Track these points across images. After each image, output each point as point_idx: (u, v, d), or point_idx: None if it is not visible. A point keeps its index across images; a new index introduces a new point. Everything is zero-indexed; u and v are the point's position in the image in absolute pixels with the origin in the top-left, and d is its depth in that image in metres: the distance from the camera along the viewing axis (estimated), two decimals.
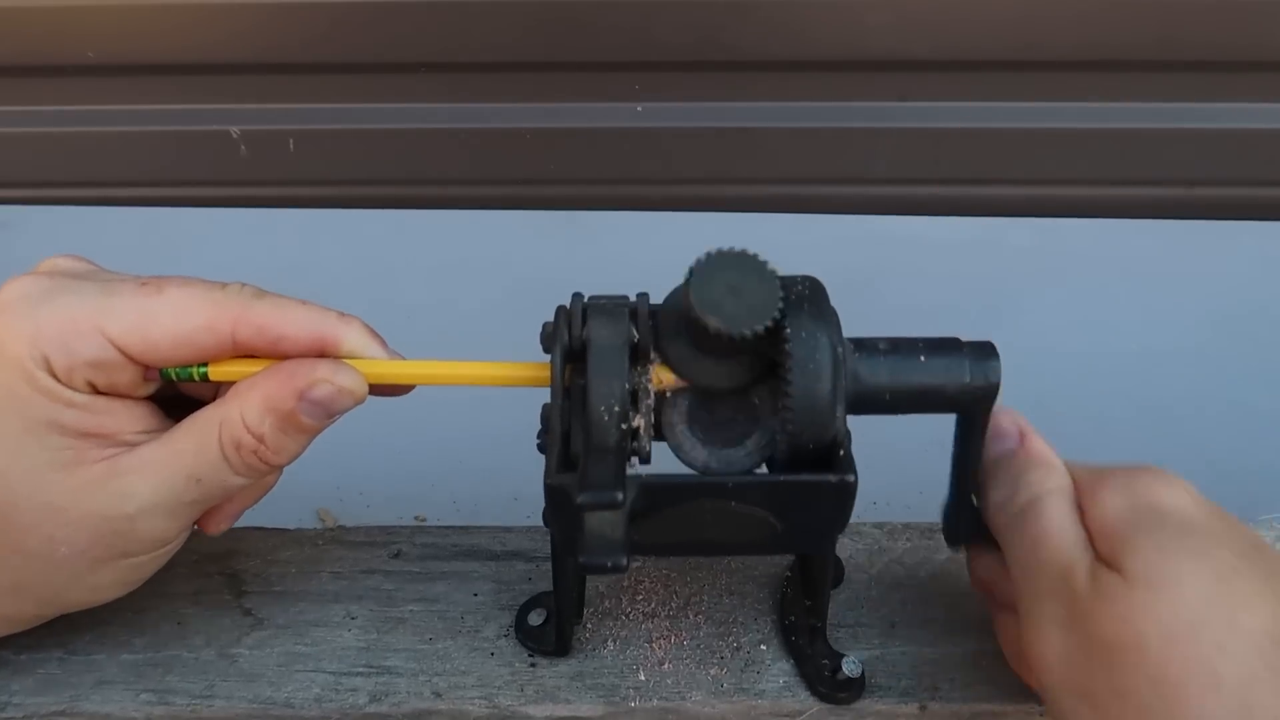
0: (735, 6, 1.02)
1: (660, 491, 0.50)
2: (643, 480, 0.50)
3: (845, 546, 0.67)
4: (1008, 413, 0.57)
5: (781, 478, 0.51)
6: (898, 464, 0.73)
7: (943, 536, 0.60)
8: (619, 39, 1.05)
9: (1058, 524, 0.52)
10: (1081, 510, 0.53)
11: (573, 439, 0.51)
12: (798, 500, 0.51)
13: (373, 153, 1.15)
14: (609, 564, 0.47)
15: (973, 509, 0.58)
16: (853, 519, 0.66)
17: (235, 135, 1.14)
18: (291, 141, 1.14)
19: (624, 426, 0.50)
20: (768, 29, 1.03)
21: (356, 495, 0.97)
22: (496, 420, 0.78)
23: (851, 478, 0.50)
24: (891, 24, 1.02)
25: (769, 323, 0.47)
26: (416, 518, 0.91)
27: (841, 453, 0.51)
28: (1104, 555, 0.50)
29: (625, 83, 1.09)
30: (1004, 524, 0.55)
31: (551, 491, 0.50)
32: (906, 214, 1.12)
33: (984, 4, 1.00)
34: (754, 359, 0.51)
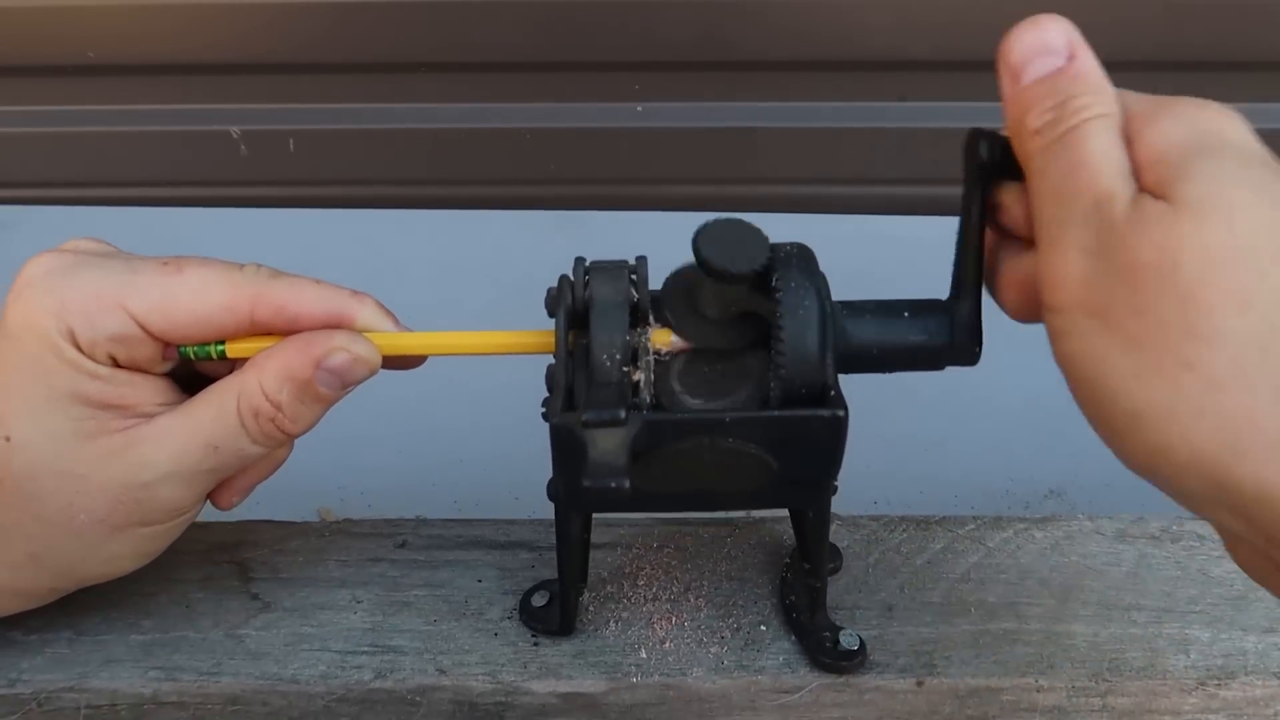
0: (735, 6, 1.03)
1: (661, 428, 0.52)
2: (645, 416, 0.52)
3: (843, 537, 0.67)
4: (1058, 23, 0.49)
5: (776, 412, 0.52)
6: (897, 464, 0.74)
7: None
8: (619, 39, 1.06)
9: (1102, 151, 0.47)
10: (1130, 140, 0.47)
11: (576, 393, 0.53)
12: (792, 435, 0.53)
13: (373, 153, 1.15)
14: (612, 484, 0.49)
15: (999, 137, 0.52)
16: (849, 515, 0.67)
17: (235, 135, 1.15)
18: (291, 141, 1.15)
19: (625, 369, 0.52)
20: (768, 29, 1.04)
21: (358, 495, 0.97)
22: (497, 421, 0.79)
23: (842, 412, 0.52)
24: (891, 24, 1.03)
25: (759, 265, 0.49)
26: (417, 516, 0.91)
27: (832, 392, 0.52)
28: (1151, 186, 0.45)
29: (625, 83, 1.09)
30: (1038, 150, 0.48)
31: (557, 431, 0.52)
32: (906, 214, 1.13)
33: (984, 4, 1.01)
34: (748, 323, 0.53)
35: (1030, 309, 0.51)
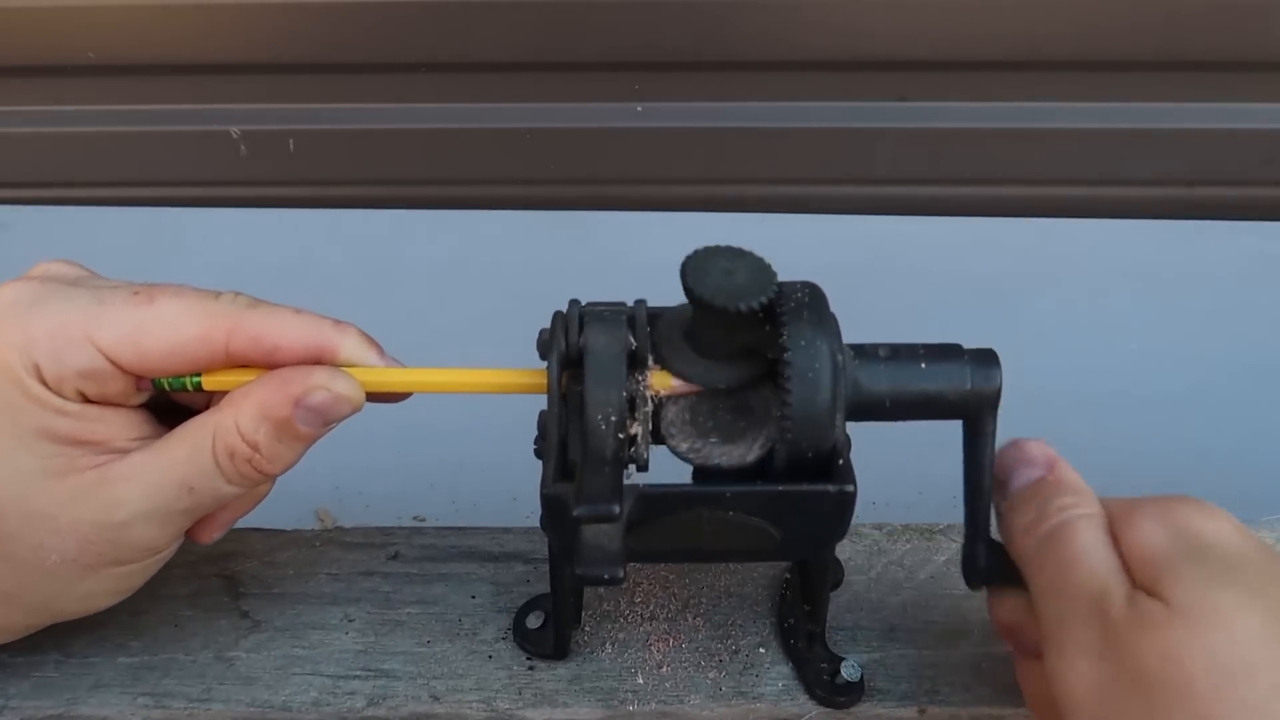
0: (735, 6, 1.03)
1: (657, 501, 0.50)
2: (640, 490, 0.50)
3: (844, 549, 0.66)
4: (1036, 442, 0.55)
5: (780, 488, 0.50)
6: (897, 465, 0.73)
7: (962, 572, 0.57)
8: (619, 39, 1.05)
9: (1090, 548, 0.49)
10: (1115, 539, 0.50)
11: (570, 446, 0.51)
12: (796, 509, 0.51)
13: (373, 153, 1.15)
14: (605, 575, 0.47)
15: (993, 543, 0.55)
16: (852, 524, 0.66)
17: (235, 135, 1.14)
18: (291, 141, 1.14)
19: (621, 435, 0.50)
20: (768, 29, 1.04)
21: (355, 495, 0.97)
22: (495, 421, 0.78)
23: (850, 488, 0.50)
24: (891, 24, 1.02)
25: (763, 301, 0.47)
26: (415, 518, 0.91)
27: (840, 462, 0.50)
28: (1143, 584, 0.47)
29: (625, 83, 1.09)
30: (1030, 549, 0.52)
31: (549, 501, 0.50)
32: (906, 214, 1.12)
33: (984, 4, 1.00)
34: (751, 361, 0.51)
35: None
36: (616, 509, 0.47)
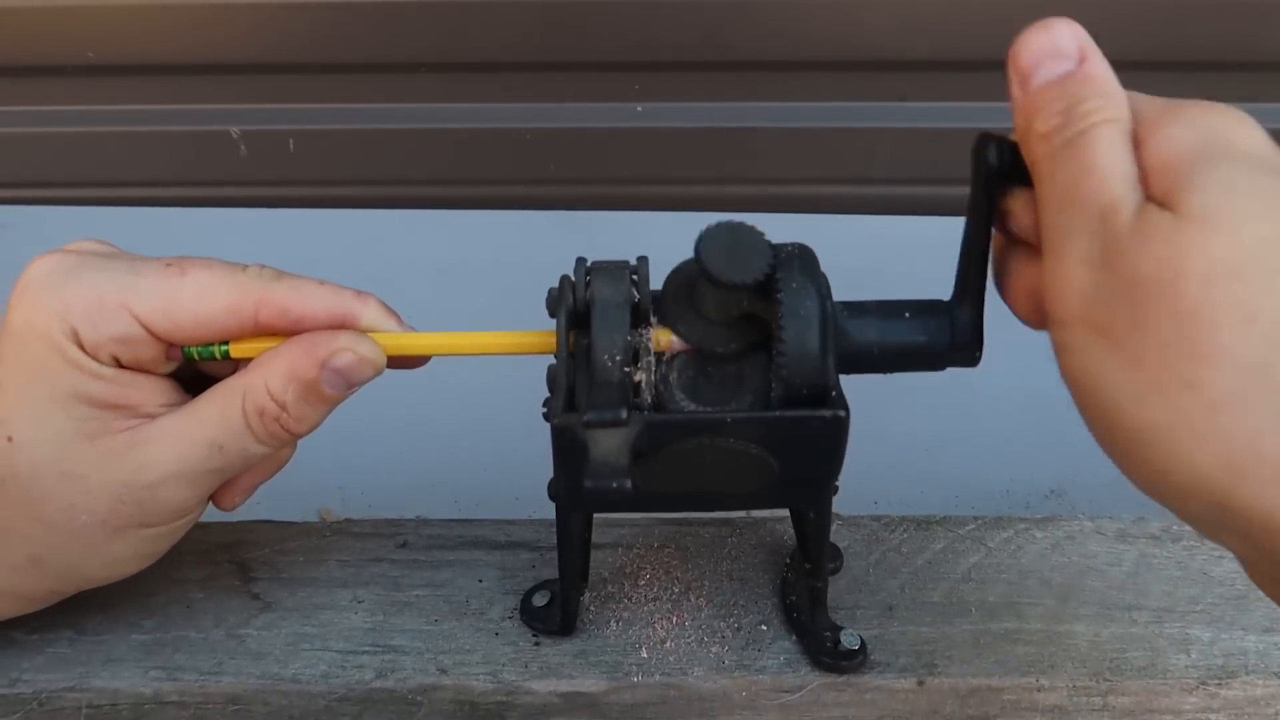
0: (735, 6, 1.03)
1: (662, 428, 0.52)
2: (646, 417, 0.52)
3: (844, 537, 0.67)
4: (1068, 24, 0.48)
5: (777, 413, 0.52)
6: (897, 465, 0.74)
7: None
8: (619, 39, 1.06)
9: (1109, 157, 0.45)
10: (1139, 145, 0.46)
11: (577, 393, 0.53)
12: (793, 436, 0.52)
13: (373, 153, 1.15)
14: (614, 484, 0.50)
15: (1008, 143, 0.51)
16: (850, 514, 0.67)
17: (235, 135, 1.15)
18: (291, 141, 1.15)
19: (627, 369, 0.52)
20: (768, 29, 1.04)
21: (358, 495, 0.97)
22: (498, 420, 0.79)
23: (843, 413, 0.52)
24: (891, 24, 1.03)
25: (761, 274, 0.49)
26: (418, 517, 0.91)
27: (834, 393, 0.52)
28: (1158, 194, 0.44)
29: (625, 83, 1.09)
30: (1045, 154, 0.47)
31: (558, 431, 0.52)
32: (906, 214, 1.13)
33: (984, 4, 1.01)
34: (750, 325, 0.52)
35: (1042, 316, 0.50)
36: (624, 414, 0.50)
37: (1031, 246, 0.51)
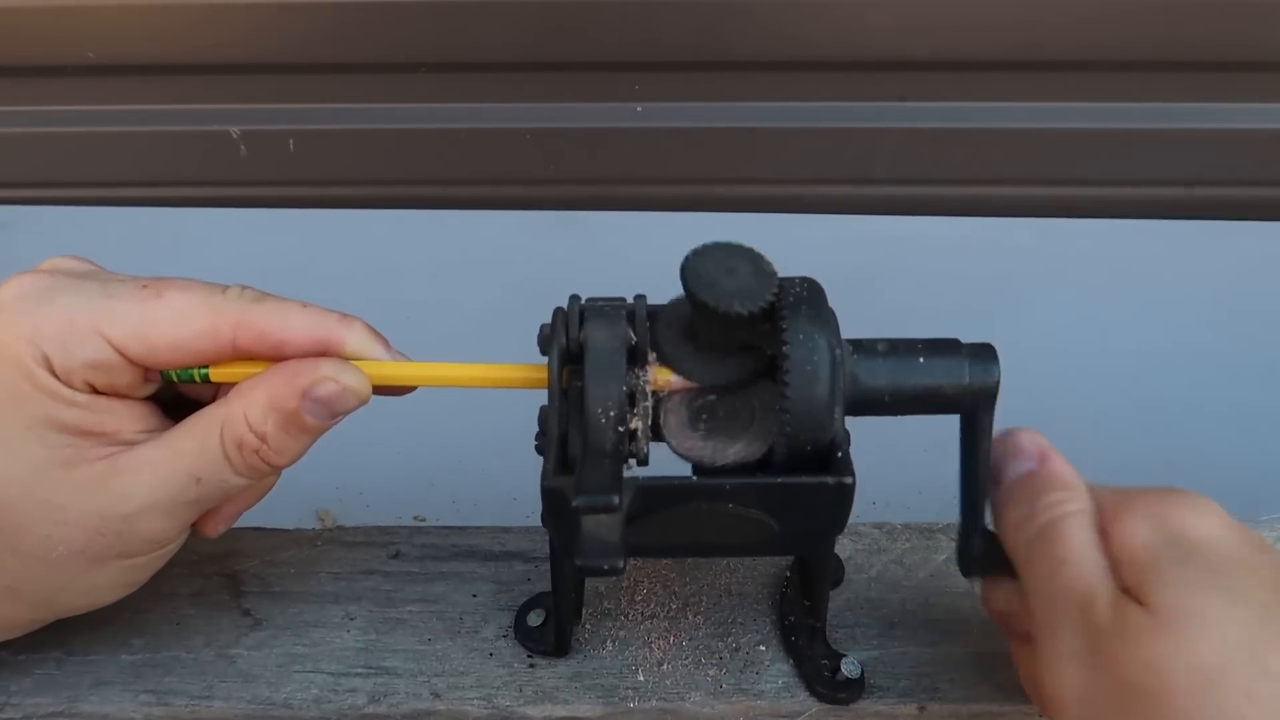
0: (735, 6, 1.02)
1: (657, 494, 0.50)
2: (640, 483, 0.50)
3: (845, 547, 0.67)
4: (1028, 432, 0.55)
5: (779, 480, 0.50)
6: (897, 465, 0.73)
7: (956, 562, 0.58)
8: (619, 39, 1.05)
9: (1078, 549, 0.50)
10: (1104, 536, 0.50)
11: (570, 442, 0.51)
12: (795, 502, 0.51)
13: (373, 153, 1.15)
14: (605, 566, 0.47)
15: (987, 533, 0.56)
16: (852, 519, 0.66)
17: (235, 135, 1.14)
18: (291, 141, 1.14)
19: (621, 429, 0.50)
20: (768, 29, 1.03)
21: (356, 495, 0.97)
22: (495, 421, 0.78)
23: (849, 480, 0.50)
24: (891, 24, 1.02)
25: (763, 304, 0.47)
26: (415, 518, 0.91)
27: (840, 455, 0.50)
28: (1128, 585, 0.48)
29: (625, 83, 1.09)
30: (1021, 546, 0.53)
31: (549, 494, 0.50)
32: (906, 214, 1.11)
33: (984, 4, 1.00)
34: (751, 357, 0.51)
35: (1045, 704, 0.52)
36: (616, 499, 0.47)
37: (1031, 643, 0.53)
